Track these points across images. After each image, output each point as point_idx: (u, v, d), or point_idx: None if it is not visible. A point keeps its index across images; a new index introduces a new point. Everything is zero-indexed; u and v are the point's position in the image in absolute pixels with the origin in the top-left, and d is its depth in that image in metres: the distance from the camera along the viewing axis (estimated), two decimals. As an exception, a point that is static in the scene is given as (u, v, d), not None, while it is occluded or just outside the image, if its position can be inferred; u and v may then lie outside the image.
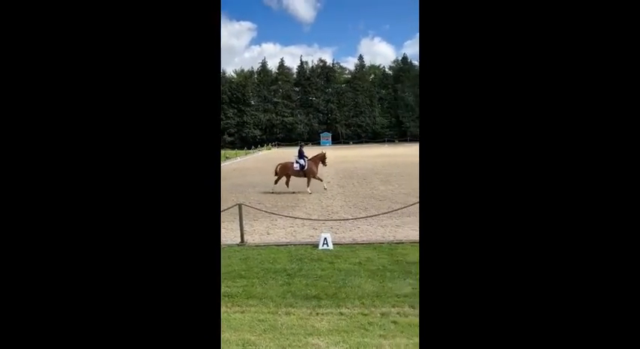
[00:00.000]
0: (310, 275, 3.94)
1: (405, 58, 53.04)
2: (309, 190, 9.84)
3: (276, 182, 10.24)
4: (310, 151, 10.73)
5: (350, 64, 71.33)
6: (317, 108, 51.47)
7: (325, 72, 52.88)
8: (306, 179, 10.00)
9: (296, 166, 9.99)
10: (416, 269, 4.03)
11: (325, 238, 4.92)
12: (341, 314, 3.09)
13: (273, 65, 54.54)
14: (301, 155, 10.12)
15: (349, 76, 53.88)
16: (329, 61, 54.48)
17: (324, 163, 10.35)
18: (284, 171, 10.12)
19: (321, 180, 10.17)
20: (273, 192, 10.00)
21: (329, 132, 49.50)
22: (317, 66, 53.37)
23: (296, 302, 3.33)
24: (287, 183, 10.18)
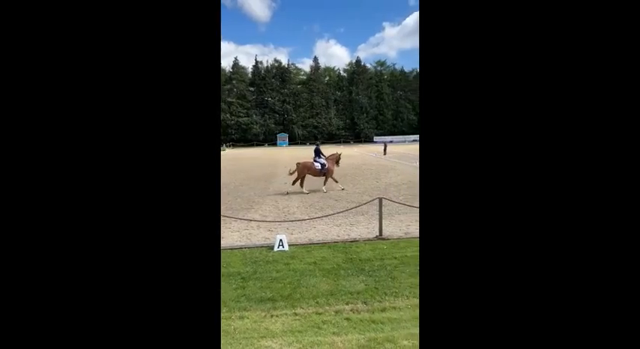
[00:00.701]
0: (265, 278, 3.90)
1: (358, 61, 54.44)
2: (324, 189, 9.78)
3: (294, 182, 9.88)
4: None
5: (306, 65, 71.75)
6: (272, 109, 50.99)
7: (280, 72, 52.57)
8: (323, 178, 9.90)
9: (317, 166, 9.75)
10: (368, 266, 4.17)
11: (281, 239, 4.90)
12: (295, 314, 3.10)
13: (227, 64, 53.22)
14: (319, 154, 9.94)
15: (305, 77, 54.11)
16: (284, 62, 54.29)
17: (337, 164, 10.26)
18: (304, 170, 9.73)
19: (337, 181, 10.07)
20: (288, 193, 9.63)
21: (285, 133, 49.32)
22: (272, 66, 52.91)
23: (250, 306, 3.28)
24: (301, 184, 9.79)
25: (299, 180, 9.80)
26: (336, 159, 10.16)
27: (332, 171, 9.98)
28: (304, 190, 9.69)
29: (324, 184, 9.90)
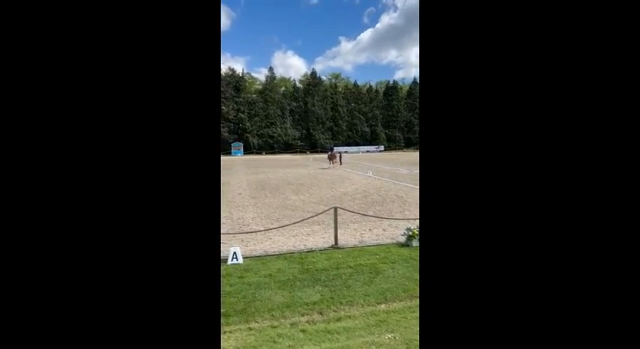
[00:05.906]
0: (218, 293, 3.75)
1: (313, 73, 55.29)
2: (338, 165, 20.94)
3: (331, 162, 21.02)
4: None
5: (262, 75, 71.28)
6: (226, 118, 49.84)
7: (235, 81, 51.72)
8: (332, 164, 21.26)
9: (337, 154, 21.86)
10: (324, 275, 4.18)
11: (235, 252, 4.75)
12: (250, 329, 3.01)
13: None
14: (332, 149, 23.27)
15: (260, 87, 53.74)
16: (239, 70, 53.57)
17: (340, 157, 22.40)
18: (335, 156, 21.00)
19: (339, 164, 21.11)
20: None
21: (240, 142, 48.35)
22: (226, 74, 51.88)
23: (201, 323, 3.12)
24: (340, 161, 21.48)
25: (331, 161, 20.74)
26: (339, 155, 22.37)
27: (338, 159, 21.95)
28: (333, 166, 20.47)
29: (340, 164, 20.99)
